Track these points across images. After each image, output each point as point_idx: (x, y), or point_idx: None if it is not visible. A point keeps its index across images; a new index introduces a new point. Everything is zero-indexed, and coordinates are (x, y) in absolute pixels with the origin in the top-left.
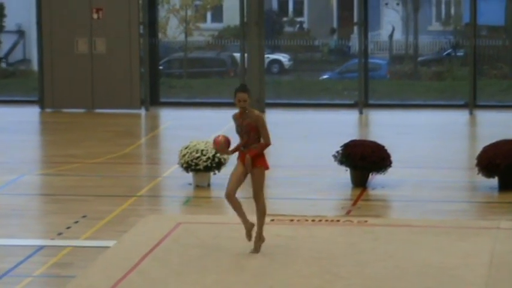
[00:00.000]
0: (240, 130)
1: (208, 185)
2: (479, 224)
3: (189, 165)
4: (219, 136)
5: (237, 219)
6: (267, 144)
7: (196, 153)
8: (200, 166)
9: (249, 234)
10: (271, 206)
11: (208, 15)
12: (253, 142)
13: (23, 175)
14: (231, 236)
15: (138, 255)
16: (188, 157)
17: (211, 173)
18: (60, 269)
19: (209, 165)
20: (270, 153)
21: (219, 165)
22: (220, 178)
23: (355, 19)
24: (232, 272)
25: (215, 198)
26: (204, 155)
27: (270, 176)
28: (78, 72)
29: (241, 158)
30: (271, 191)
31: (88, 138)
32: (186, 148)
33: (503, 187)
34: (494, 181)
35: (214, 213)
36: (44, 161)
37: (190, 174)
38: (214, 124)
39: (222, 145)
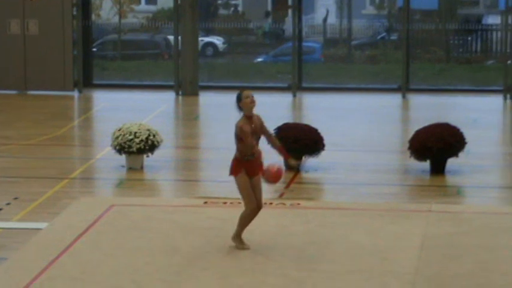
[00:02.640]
0: (252, 136)
1: (141, 168)
2: (411, 207)
3: (122, 148)
4: (274, 167)
5: (171, 201)
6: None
7: (130, 135)
8: (133, 148)
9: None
10: (204, 189)
11: None
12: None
13: None
14: (164, 218)
15: (71, 238)
16: (121, 139)
17: (145, 156)
18: None
19: (142, 147)
20: (204, 136)
21: (152, 147)
22: (153, 160)
23: (290, 2)
24: (165, 254)
25: (148, 180)
26: (137, 138)
27: (204, 158)
28: (11, 54)
29: (253, 166)
30: (205, 173)
31: (21, 119)
32: (119, 130)
33: (435, 170)
34: (426, 164)
35: (147, 195)
36: None
37: (123, 156)
38: (148, 107)
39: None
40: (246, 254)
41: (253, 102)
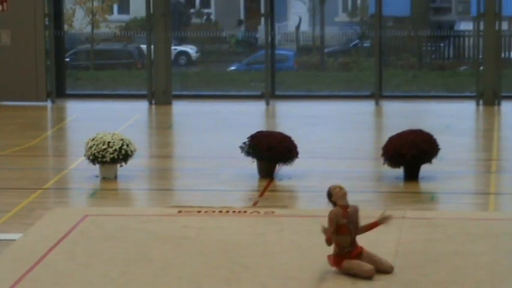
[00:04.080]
0: (347, 226)
1: (115, 177)
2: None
3: (95, 157)
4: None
5: (145, 211)
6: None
7: (103, 145)
8: (107, 158)
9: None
10: (178, 198)
11: (115, 7)
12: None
13: None
14: (138, 228)
15: (45, 248)
16: (95, 149)
17: (118, 165)
18: None
19: (116, 157)
20: (178, 145)
21: (125, 157)
22: (127, 170)
23: (262, 10)
24: (140, 263)
25: (122, 190)
26: (111, 147)
27: (178, 167)
28: None
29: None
30: (179, 182)
31: None
32: (92, 140)
33: (409, 177)
34: (399, 171)
35: (121, 205)
36: None
37: (97, 166)
38: (121, 116)
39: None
40: (221, 263)
41: (342, 189)
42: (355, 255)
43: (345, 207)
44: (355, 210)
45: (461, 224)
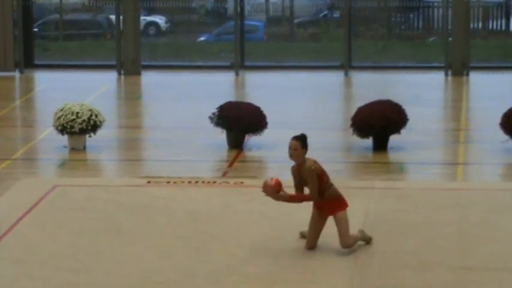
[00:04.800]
0: (298, 184)
1: (84, 148)
2: (354, 184)
3: (64, 128)
4: (272, 180)
5: (114, 181)
6: (310, 199)
7: (72, 115)
8: (75, 129)
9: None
10: (148, 168)
11: None
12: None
13: None
14: (107, 198)
15: (14, 218)
16: (63, 119)
17: (87, 136)
18: None
19: (84, 127)
20: (147, 116)
21: (94, 127)
22: (96, 140)
23: None
24: (109, 234)
25: (91, 160)
26: (79, 118)
27: (147, 138)
28: None
29: (317, 207)
30: (147, 152)
31: None
32: (61, 110)
33: (378, 147)
34: (369, 141)
35: (90, 175)
36: None
37: (66, 136)
38: (90, 87)
39: (272, 189)
40: (190, 232)
41: (290, 149)
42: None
43: (298, 165)
44: (306, 172)
45: (429, 194)
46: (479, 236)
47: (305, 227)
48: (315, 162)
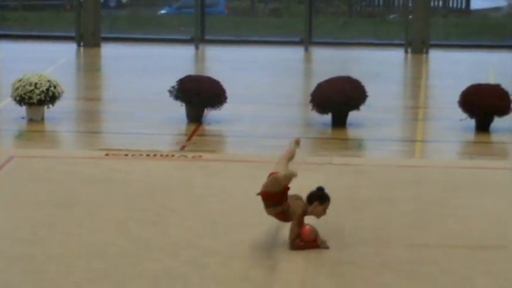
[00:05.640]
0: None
1: (42, 119)
2: (313, 160)
3: (22, 99)
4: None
5: (72, 153)
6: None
7: (30, 86)
8: (34, 99)
9: None
10: (106, 141)
11: None
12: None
13: None
14: (65, 170)
15: None
16: (21, 90)
17: (45, 107)
18: None
19: (43, 98)
20: (106, 88)
21: (52, 98)
22: (54, 112)
23: None
24: (66, 206)
25: (49, 132)
26: (38, 89)
27: (107, 110)
28: None
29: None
30: (106, 125)
31: None
32: (19, 81)
33: (336, 123)
34: (327, 117)
35: (48, 147)
36: None
37: (24, 107)
38: (49, 58)
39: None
40: (148, 206)
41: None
42: None
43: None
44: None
45: (387, 170)
46: (436, 213)
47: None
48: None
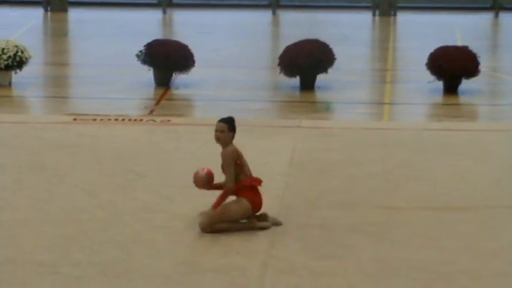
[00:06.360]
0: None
1: (10, 84)
2: (281, 123)
3: None
4: (203, 170)
5: (39, 118)
6: (226, 188)
7: None
8: (1, 65)
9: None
10: (74, 106)
11: None
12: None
13: None
14: (32, 135)
15: None
16: None
17: (13, 72)
18: None
19: (10, 63)
20: (74, 53)
21: (20, 64)
22: (22, 77)
23: None
24: (34, 171)
25: (17, 97)
26: (5, 54)
27: (73, 75)
28: None
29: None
30: (74, 90)
31: None
32: None
33: (304, 86)
34: (296, 80)
35: (16, 112)
36: None
37: None
38: (16, 23)
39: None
40: (116, 170)
41: (216, 131)
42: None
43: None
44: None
45: (355, 133)
46: (404, 176)
47: None
48: (236, 148)
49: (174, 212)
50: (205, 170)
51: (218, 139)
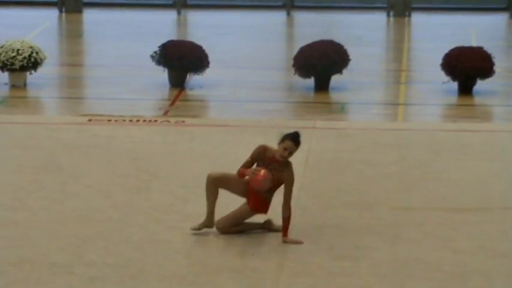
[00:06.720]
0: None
1: (25, 85)
2: (296, 124)
3: (4, 65)
4: (261, 171)
5: (54, 119)
6: (287, 216)
7: (12, 52)
8: (16, 66)
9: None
10: (89, 106)
11: None
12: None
13: None
14: (48, 136)
15: None
16: (4, 56)
17: (28, 73)
18: None
19: (25, 64)
20: (89, 54)
21: (35, 64)
22: (37, 78)
23: None
24: (49, 172)
25: (31, 98)
26: (20, 55)
27: (88, 76)
28: None
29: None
30: (88, 90)
31: None
32: (1, 47)
33: (319, 87)
34: (310, 81)
35: (31, 113)
36: None
37: (6, 73)
38: (31, 23)
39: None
40: (130, 171)
41: (286, 150)
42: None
43: (278, 160)
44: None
45: (370, 134)
46: (419, 177)
47: None
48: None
49: (188, 212)
50: (262, 174)
51: (284, 158)
